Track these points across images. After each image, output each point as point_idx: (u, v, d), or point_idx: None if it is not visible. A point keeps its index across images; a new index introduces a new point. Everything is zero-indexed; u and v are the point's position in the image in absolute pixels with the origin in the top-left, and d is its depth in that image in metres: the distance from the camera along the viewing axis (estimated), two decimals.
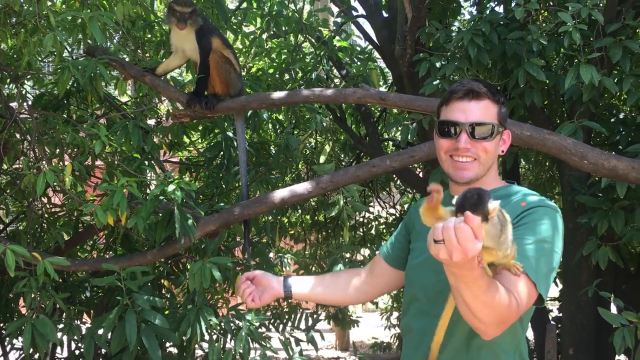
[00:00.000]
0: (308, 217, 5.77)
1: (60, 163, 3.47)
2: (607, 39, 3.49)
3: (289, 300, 2.19)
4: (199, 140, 4.72)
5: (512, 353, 1.76)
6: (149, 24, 3.79)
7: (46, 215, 3.85)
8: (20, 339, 2.99)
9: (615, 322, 3.02)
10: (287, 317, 5.05)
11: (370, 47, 5.10)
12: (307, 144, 5.35)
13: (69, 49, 3.87)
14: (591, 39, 3.56)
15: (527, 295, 1.58)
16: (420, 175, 5.37)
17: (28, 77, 3.61)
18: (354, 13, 4.95)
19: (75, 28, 2.96)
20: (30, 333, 2.84)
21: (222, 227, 3.15)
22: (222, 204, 3.47)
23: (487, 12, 4.93)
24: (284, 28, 4.71)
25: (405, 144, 4.22)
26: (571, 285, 4.19)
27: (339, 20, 4.80)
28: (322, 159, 4.12)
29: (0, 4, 2.89)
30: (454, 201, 1.41)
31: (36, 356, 3.64)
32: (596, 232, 3.67)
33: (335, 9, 4.94)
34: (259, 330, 3.53)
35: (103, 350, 3.55)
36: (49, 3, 3.08)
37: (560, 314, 4.71)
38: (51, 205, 3.91)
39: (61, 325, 3.16)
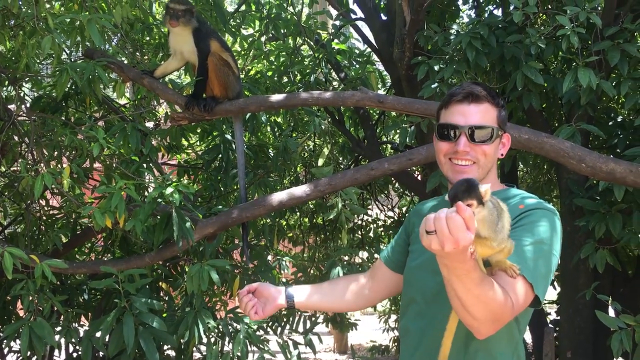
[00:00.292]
0: (306, 219, 5.76)
1: (59, 165, 3.47)
2: (605, 43, 3.50)
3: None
4: (198, 143, 4.72)
5: (510, 356, 1.75)
6: (147, 26, 3.79)
7: (44, 218, 3.84)
8: (17, 341, 2.99)
9: (613, 325, 3.03)
10: (285, 320, 5.04)
11: (368, 50, 5.10)
12: (306, 147, 5.35)
13: (68, 52, 3.87)
14: (589, 42, 3.57)
15: (523, 295, 1.57)
16: (419, 178, 5.37)
17: (26, 79, 3.61)
18: (353, 16, 4.96)
19: (74, 30, 2.96)
20: (27, 336, 2.83)
21: (220, 229, 3.15)
22: (220, 207, 3.47)
23: (486, 15, 4.94)
24: (282, 31, 4.72)
25: (404, 147, 4.23)
26: (569, 288, 4.19)
27: (337, 23, 4.80)
28: (320, 162, 4.12)
29: None
30: (446, 197, 1.42)
31: (34, 359, 3.63)
32: (594, 235, 3.67)
33: (333, 12, 4.94)
34: (257, 333, 3.53)
35: (101, 353, 3.54)
36: (48, 5, 3.08)
37: (558, 317, 4.71)
38: (49, 208, 3.90)
39: (59, 328, 3.15)
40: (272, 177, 4.25)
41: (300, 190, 3.12)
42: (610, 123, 4.17)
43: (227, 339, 3.35)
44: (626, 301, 3.96)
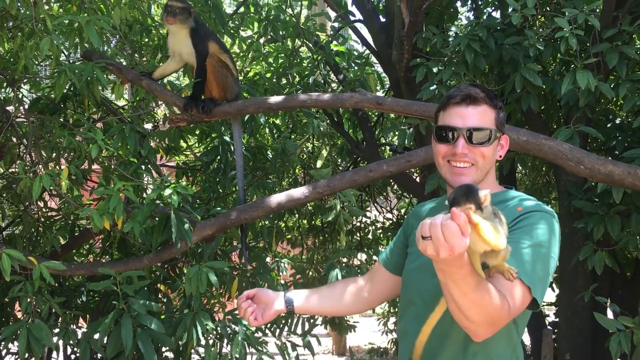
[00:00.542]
0: (305, 221, 5.76)
1: (57, 167, 3.47)
2: (603, 45, 3.51)
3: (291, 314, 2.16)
4: (196, 145, 4.71)
5: (509, 358, 1.75)
6: (146, 28, 3.79)
7: (42, 219, 3.84)
8: (15, 343, 2.98)
9: (612, 327, 3.03)
10: (283, 321, 5.04)
11: (367, 51, 5.10)
12: (304, 149, 5.34)
13: (66, 53, 3.86)
14: (587, 44, 3.57)
15: (520, 298, 1.57)
16: (417, 180, 5.37)
17: (24, 80, 3.61)
18: (351, 18, 4.96)
19: (72, 32, 2.96)
20: (25, 337, 2.83)
21: (218, 231, 3.15)
22: (218, 209, 3.47)
23: (484, 17, 4.95)
24: (281, 32, 4.72)
25: (402, 149, 4.22)
26: (567, 290, 4.19)
27: (336, 25, 4.80)
28: (319, 163, 4.12)
29: None
30: (446, 202, 1.42)
31: None
32: (592, 237, 3.67)
33: (332, 14, 4.94)
34: (256, 335, 3.52)
35: (99, 355, 3.54)
36: (46, 7, 3.08)
37: (557, 319, 4.71)
38: (47, 209, 3.90)
39: (57, 330, 3.15)
40: (271, 178, 4.25)
41: (299, 192, 3.12)
42: (608, 125, 4.17)
43: (225, 340, 3.35)
44: (625, 303, 3.96)
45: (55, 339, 3.10)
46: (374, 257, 4.63)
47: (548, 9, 3.83)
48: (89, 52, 3.37)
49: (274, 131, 4.55)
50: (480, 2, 4.95)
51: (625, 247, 3.99)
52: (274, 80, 4.81)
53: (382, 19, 4.83)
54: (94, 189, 3.38)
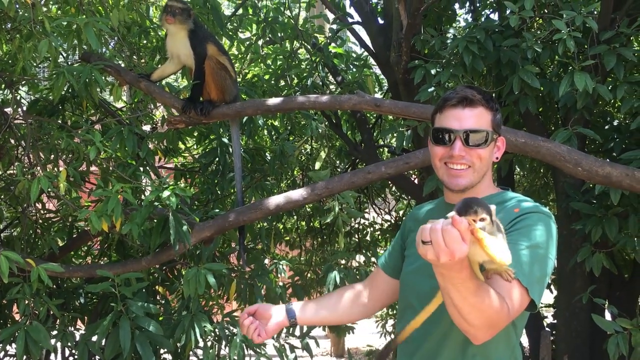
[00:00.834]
0: (303, 223, 5.76)
1: (55, 169, 3.46)
2: (601, 47, 3.51)
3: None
4: (195, 147, 4.71)
5: None
6: (144, 30, 3.79)
7: (40, 221, 3.83)
8: (13, 345, 2.97)
9: (610, 329, 3.03)
10: None
11: (365, 53, 5.11)
12: (303, 150, 5.35)
13: (64, 55, 3.86)
14: (585, 46, 3.58)
15: (518, 300, 1.57)
16: (416, 181, 5.38)
17: (23, 82, 3.61)
18: (350, 20, 4.96)
19: (71, 34, 2.96)
20: (23, 340, 2.82)
21: (217, 233, 3.15)
22: (217, 210, 3.47)
23: (482, 19, 4.96)
24: (279, 34, 4.72)
25: (401, 151, 4.23)
26: (566, 291, 4.19)
27: (334, 27, 4.81)
28: (317, 165, 4.12)
29: None
30: (446, 199, 1.42)
31: None
32: (590, 238, 3.67)
33: (330, 16, 4.95)
34: None
35: (97, 357, 3.53)
36: (44, 9, 3.08)
37: (555, 321, 4.71)
38: (45, 211, 3.89)
39: (55, 332, 3.15)
40: (269, 180, 4.25)
41: (298, 193, 3.12)
42: (606, 127, 4.18)
43: (223, 342, 3.35)
44: (623, 304, 3.97)
45: (53, 341, 3.10)
46: (372, 259, 4.62)
47: (546, 10, 3.84)
48: (87, 53, 3.37)
49: (273, 133, 4.55)
50: (478, 4, 4.96)
51: (623, 249, 4.00)
52: (272, 82, 4.82)
53: (381, 21, 4.84)
54: (92, 191, 3.38)
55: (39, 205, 3.84)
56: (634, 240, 3.56)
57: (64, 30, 3.05)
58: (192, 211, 3.29)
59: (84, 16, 3.26)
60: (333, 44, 4.85)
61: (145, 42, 3.96)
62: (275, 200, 3.12)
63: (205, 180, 4.17)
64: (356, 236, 5.89)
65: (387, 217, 6.34)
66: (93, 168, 3.63)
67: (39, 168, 3.14)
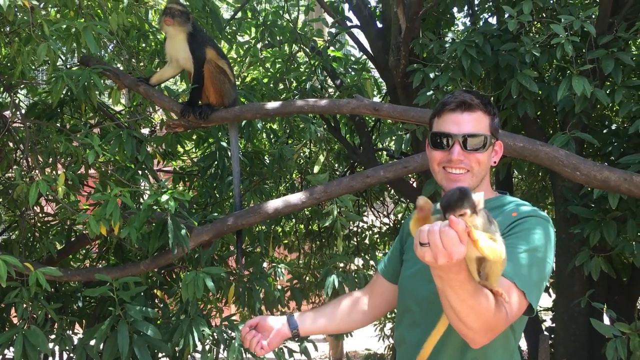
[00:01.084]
0: (302, 226, 5.76)
1: (54, 172, 3.46)
2: (599, 51, 3.52)
3: (296, 339, 2.14)
4: (193, 150, 4.71)
5: None
6: (143, 33, 3.79)
7: (39, 224, 3.83)
8: (11, 349, 2.96)
9: (608, 333, 3.03)
10: None
11: (364, 57, 5.11)
12: (301, 154, 5.35)
13: (63, 58, 3.86)
14: (583, 50, 3.59)
15: (517, 304, 1.57)
16: (414, 185, 5.38)
17: (21, 86, 3.61)
18: (348, 24, 4.97)
19: (70, 37, 2.96)
20: (21, 344, 2.82)
21: (215, 237, 3.14)
22: (215, 214, 3.47)
23: (481, 23, 4.96)
24: (278, 38, 4.72)
25: (399, 154, 4.23)
26: (564, 295, 4.20)
27: (333, 30, 4.82)
28: (316, 169, 4.12)
29: None
30: (438, 206, 1.42)
31: None
32: (589, 242, 3.68)
33: (329, 19, 4.96)
34: None
35: None
36: (43, 12, 3.08)
37: (554, 324, 4.72)
38: (44, 215, 3.89)
39: (53, 336, 3.14)
40: (268, 184, 4.25)
41: (296, 197, 3.12)
42: (604, 131, 4.19)
43: (222, 346, 3.34)
44: (621, 308, 3.97)
45: (51, 345, 3.09)
46: (371, 262, 4.63)
47: (544, 14, 3.84)
48: (86, 57, 3.37)
49: (271, 136, 4.55)
50: (476, 8, 4.97)
51: (622, 253, 4.00)
52: (271, 85, 4.82)
53: (379, 25, 4.84)
54: (91, 194, 3.37)
55: (38, 209, 3.84)
56: (632, 244, 3.56)
57: (63, 33, 3.05)
58: (191, 215, 3.29)
59: (83, 19, 3.27)
60: (332, 48, 4.86)
61: (144, 45, 3.96)
62: (273, 204, 3.12)
63: (204, 184, 4.17)
64: (355, 239, 5.89)
65: (386, 220, 6.34)
66: (91, 171, 3.63)
67: (37, 171, 3.14)
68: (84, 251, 4.29)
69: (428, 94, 3.83)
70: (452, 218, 1.32)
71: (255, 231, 4.15)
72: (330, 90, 5.19)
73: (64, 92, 3.51)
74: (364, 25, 4.86)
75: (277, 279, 4.11)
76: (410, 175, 5.46)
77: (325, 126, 4.93)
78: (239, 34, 4.89)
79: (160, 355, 3.58)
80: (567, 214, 3.98)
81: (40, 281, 2.67)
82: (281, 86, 4.87)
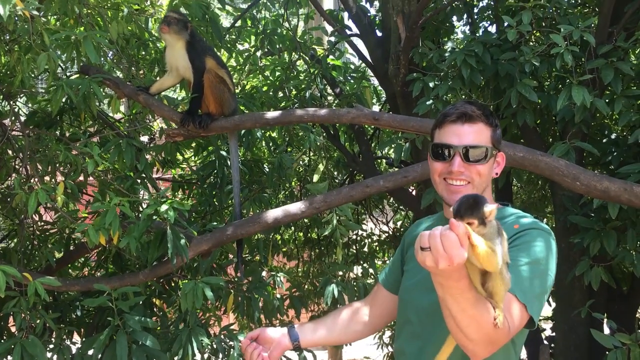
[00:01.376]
0: (301, 234, 5.75)
1: (53, 180, 3.45)
2: (598, 61, 3.53)
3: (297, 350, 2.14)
4: (193, 157, 4.71)
5: None
6: (143, 42, 3.79)
7: (38, 233, 3.82)
8: (9, 358, 2.95)
9: (608, 344, 3.02)
10: None
11: (363, 65, 5.12)
12: (301, 162, 5.35)
13: (63, 67, 3.86)
14: (583, 59, 3.59)
15: (518, 317, 1.57)
16: (414, 193, 5.37)
17: (21, 95, 3.60)
18: (348, 32, 4.97)
19: (70, 46, 2.96)
20: (19, 354, 2.80)
21: (214, 246, 3.14)
22: (214, 223, 3.46)
23: (480, 31, 4.97)
24: (278, 46, 4.73)
25: (399, 163, 4.23)
26: (564, 305, 4.19)
27: (332, 39, 4.82)
28: (315, 177, 4.12)
29: None
30: (445, 214, 1.42)
31: None
32: (589, 252, 3.67)
33: (329, 28, 4.96)
34: None
35: None
36: (43, 19, 3.08)
37: (554, 333, 4.70)
38: (42, 223, 3.88)
39: (51, 346, 3.13)
40: (267, 192, 4.25)
41: (295, 207, 3.12)
42: (604, 140, 4.19)
43: (220, 356, 3.33)
44: (621, 317, 3.96)
45: (49, 354, 3.08)
46: (370, 270, 4.62)
47: (544, 24, 3.85)
48: (85, 66, 3.38)
49: (271, 144, 4.55)
50: (476, 17, 4.98)
51: (622, 262, 4.00)
52: (271, 93, 4.82)
53: (379, 34, 4.85)
54: (90, 202, 3.36)
55: (36, 217, 3.82)
56: (633, 254, 3.56)
57: (63, 42, 3.05)
58: (190, 223, 3.28)
59: (82, 28, 3.27)
60: (331, 57, 4.86)
61: (143, 53, 3.96)
62: (273, 213, 3.12)
63: (203, 192, 4.17)
64: (354, 247, 5.88)
65: (385, 228, 6.33)
66: (90, 179, 3.62)
67: (36, 180, 3.13)
68: (83, 259, 4.27)
69: (428, 103, 3.83)
70: (453, 221, 1.33)
71: (254, 240, 4.15)
72: (329, 98, 5.19)
73: (63, 100, 3.50)
74: (364, 34, 4.87)
75: (276, 287, 4.10)
76: (409, 184, 5.45)
77: (324, 134, 4.94)
78: (238, 41, 4.89)
79: None
80: (567, 223, 3.98)
81: (39, 291, 2.65)
82: (281, 94, 4.88)
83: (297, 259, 5.80)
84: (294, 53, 4.87)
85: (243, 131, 3.92)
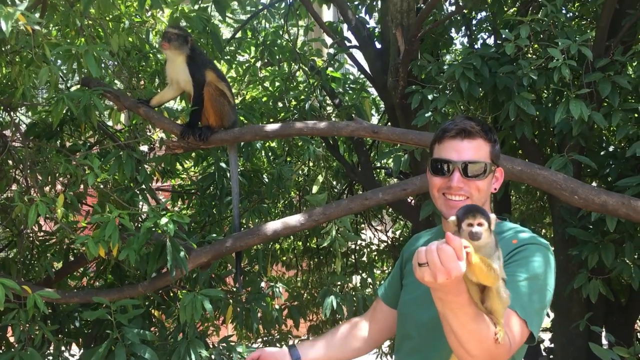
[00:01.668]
0: (300, 243, 5.75)
1: (52, 191, 3.46)
2: (596, 74, 3.55)
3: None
4: (192, 167, 4.72)
5: None
6: (144, 54, 3.81)
7: (37, 243, 3.82)
8: None
9: (607, 358, 3.02)
10: (278, 345, 5.00)
11: (363, 77, 5.13)
12: (300, 172, 5.36)
13: (64, 79, 3.87)
14: (580, 72, 3.61)
15: (519, 333, 1.57)
16: (412, 203, 5.38)
17: (21, 108, 3.62)
18: (347, 44, 4.99)
19: (71, 57, 2.97)
20: None
21: (214, 258, 3.14)
22: (214, 235, 3.46)
23: (478, 43, 5.00)
24: (278, 57, 4.75)
25: (398, 174, 4.24)
26: (562, 317, 4.19)
27: (332, 51, 4.84)
28: (314, 189, 4.13)
29: None
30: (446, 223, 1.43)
31: None
32: (587, 264, 3.68)
33: (328, 40, 4.98)
34: None
35: None
36: (44, 30, 3.10)
37: (552, 345, 4.70)
38: (42, 233, 3.88)
39: (50, 358, 3.12)
40: (267, 203, 4.25)
41: (295, 219, 3.12)
42: (602, 153, 4.20)
43: None
44: (619, 329, 3.97)
45: None
46: (369, 280, 4.62)
47: (542, 36, 3.87)
48: (87, 78, 3.39)
49: (270, 154, 4.56)
50: (474, 29, 5.01)
51: (620, 275, 4.00)
52: (270, 104, 4.84)
53: (378, 46, 4.87)
54: (89, 213, 3.36)
55: (36, 227, 3.83)
56: (631, 267, 3.57)
57: (64, 53, 3.06)
58: (189, 235, 3.28)
59: (83, 40, 3.28)
60: (330, 69, 4.88)
61: (144, 65, 3.98)
62: (272, 226, 3.12)
63: (203, 203, 4.17)
64: (353, 257, 5.87)
65: (384, 237, 6.33)
66: (90, 189, 3.62)
67: (36, 190, 3.14)
68: (82, 270, 4.27)
69: (426, 115, 3.84)
70: (449, 235, 1.34)
71: (253, 250, 4.15)
72: (329, 109, 5.21)
73: (64, 112, 3.51)
74: (363, 46, 4.89)
75: (275, 298, 4.10)
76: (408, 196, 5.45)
77: (323, 144, 4.95)
78: (238, 52, 4.91)
79: None
80: (566, 235, 3.99)
81: (38, 304, 2.66)
82: (280, 105, 4.89)
83: (296, 269, 5.80)
84: (293, 64, 4.89)
85: (242, 143, 3.94)
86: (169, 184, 4.61)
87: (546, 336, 5.63)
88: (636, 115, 3.72)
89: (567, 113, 3.41)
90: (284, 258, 5.78)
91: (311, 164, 5.36)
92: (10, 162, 3.58)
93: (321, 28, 4.87)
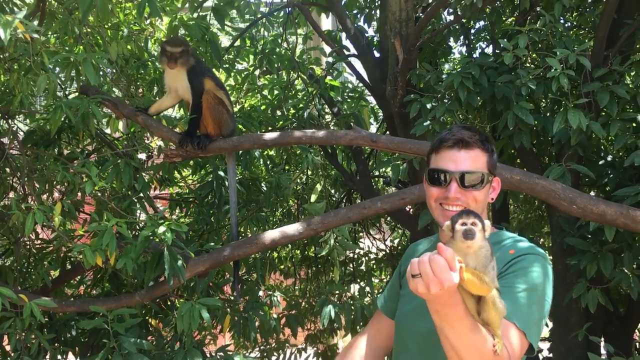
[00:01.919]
0: (298, 252, 5.73)
1: (50, 199, 3.45)
2: (594, 84, 3.55)
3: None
4: (190, 175, 4.71)
5: None
6: (142, 62, 3.81)
7: (34, 251, 3.81)
8: None
9: None
10: (275, 354, 4.99)
11: (361, 85, 5.14)
12: (298, 180, 5.35)
13: (62, 86, 3.88)
14: (578, 82, 3.62)
15: (518, 345, 1.57)
16: (411, 212, 5.38)
17: (19, 116, 3.61)
18: (346, 52, 5.00)
19: (69, 65, 2.98)
20: None
21: (212, 267, 3.13)
22: (212, 244, 3.46)
23: (477, 52, 5.01)
24: (276, 65, 4.75)
25: (397, 183, 4.24)
26: (561, 327, 4.17)
27: (330, 59, 4.85)
28: (313, 198, 4.12)
29: None
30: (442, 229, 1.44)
31: None
32: (585, 274, 3.67)
33: (327, 48, 4.99)
34: None
35: None
36: (43, 38, 3.10)
37: (551, 354, 4.68)
38: (39, 242, 3.87)
39: None
40: (265, 212, 4.25)
41: (293, 228, 3.12)
42: (600, 162, 4.20)
43: None
44: (618, 339, 3.95)
45: None
46: (367, 289, 4.61)
47: (540, 46, 3.88)
48: (85, 86, 3.39)
49: (268, 163, 4.56)
50: (472, 38, 5.02)
51: (619, 284, 3.99)
52: (269, 112, 4.84)
53: (377, 54, 4.87)
54: (87, 221, 3.35)
55: (33, 235, 3.82)
56: (629, 276, 3.56)
57: (62, 61, 3.07)
58: (187, 243, 3.27)
59: (82, 47, 3.29)
60: (329, 77, 4.89)
61: (142, 72, 3.98)
62: (270, 235, 3.12)
63: (201, 211, 4.16)
64: (351, 265, 5.86)
65: (382, 246, 6.32)
66: (87, 197, 3.62)
67: (33, 198, 3.13)
68: (79, 278, 4.26)
69: (425, 124, 3.84)
70: (440, 245, 1.34)
71: (251, 258, 4.14)
72: (327, 117, 5.21)
73: (62, 119, 3.51)
74: (362, 55, 4.89)
75: (273, 307, 4.09)
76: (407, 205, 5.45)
77: (322, 153, 4.95)
78: (237, 60, 4.92)
79: None
80: (564, 245, 3.98)
81: (34, 313, 2.64)
82: (279, 113, 4.89)
83: (294, 277, 5.78)
84: (292, 72, 4.90)
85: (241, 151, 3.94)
86: (167, 192, 4.60)
87: (545, 346, 5.61)
88: (634, 124, 3.72)
89: (565, 122, 3.41)
90: (282, 267, 5.77)
91: (309, 172, 5.35)
92: (7, 169, 3.58)
93: (320, 37, 4.89)
